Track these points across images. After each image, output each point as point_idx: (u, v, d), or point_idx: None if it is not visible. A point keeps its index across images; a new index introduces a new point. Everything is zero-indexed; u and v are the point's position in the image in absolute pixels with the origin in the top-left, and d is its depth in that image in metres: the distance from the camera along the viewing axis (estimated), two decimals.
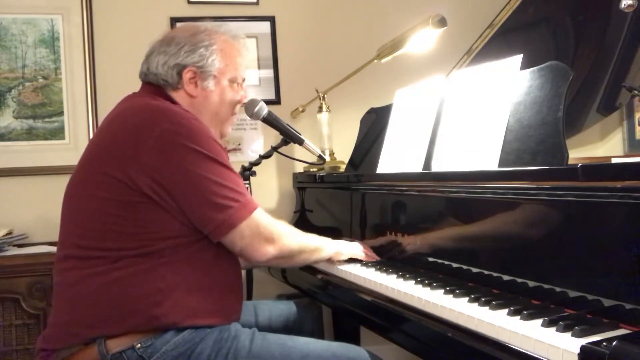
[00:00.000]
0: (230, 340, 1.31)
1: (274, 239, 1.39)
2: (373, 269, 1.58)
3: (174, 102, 1.45)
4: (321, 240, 1.62)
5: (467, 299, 1.19)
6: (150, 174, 1.27)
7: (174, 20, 2.61)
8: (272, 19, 2.73)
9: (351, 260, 1.69)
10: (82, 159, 1.40)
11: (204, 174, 1.29)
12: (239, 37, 1.56)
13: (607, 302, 1.00)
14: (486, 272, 1.29)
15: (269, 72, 2.73)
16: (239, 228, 1.32)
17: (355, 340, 2.28)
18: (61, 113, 2.49)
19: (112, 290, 1.26)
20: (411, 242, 1.58)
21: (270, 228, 1.39)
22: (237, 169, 2.14)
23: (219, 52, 1.47)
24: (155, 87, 1.47)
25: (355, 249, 1.69)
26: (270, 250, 1.39)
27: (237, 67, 1.52)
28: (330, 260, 1.67)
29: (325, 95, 2.48)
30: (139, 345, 1.25)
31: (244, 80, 1.58)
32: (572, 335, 0.93)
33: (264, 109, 1.96)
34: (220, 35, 1.50)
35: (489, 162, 1.34)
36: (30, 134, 2.47)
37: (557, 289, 1.10)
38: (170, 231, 1.29)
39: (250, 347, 1.31)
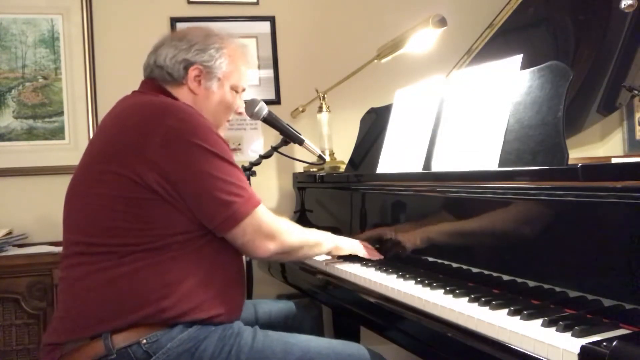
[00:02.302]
0: (234, 338, 1.33)
1: (275, 236, 1.40)
2: (373, 269, 1.58)
3: (175, 99, 1.45)
4: (321, 235, 1.63)
5: (467, 299, 1.19)
6: (157, 170, 1.28)
7: (174, 20, 2.61)
8: (272, 19, 2.73)
9: (351, 259, 1.69)
10: (85, 157, 1.41)
11: (208, 170, 1.31)
12: (248, 49, 1.62)
13: (607, 302, 1.00)
14: (486, 272, 1.29)
15: (269, 72, 2.73)
16: (242, 224, 1.34)
17: (355, 340, 2.28)
18: (61, 113, 2.49)
19: (119, 284, 1.27)
20: (411, 242, 1.58)
21: (272, 225, 1.40)
22: None
23: (228, 57, 1.51)
24: (156, 83, 1.48)
25: (354, 245, 1.68)
26: (270, 247, 1.40)
27: (241, 75, 1.57)
28: (330, 254, 1.68)
29: (325, 95, 2.48)
30: (145, 341, 1.26)
31: (244, 90, 1.61)
32: (572, 335, 0.93)
33: (264, 109, 1.96)
34: (231, 42, 1.55)
35: (489, 162, 1.34)
36: (30, 134, 2.47)
37: (557, 289, 1.10)
38: (178, 227, 1.31)
39: (253, 343, 1.33)
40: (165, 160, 1.28)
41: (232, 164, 1.36)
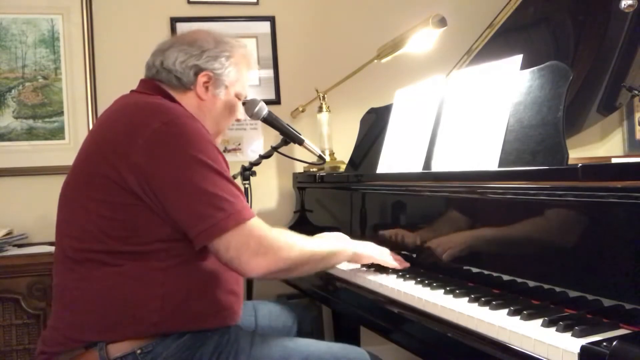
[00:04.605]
0: (231, 344, 1.31)
1: (268, 252, 1.28)
2: (372, 270, 1.58)
3: (173, 100, 1.43)
4: (335, 245, 1.50)
5: (467, 299, 1.19)
6: (139, 174, 1.24)
7: (174, 20, 2.61)
8: (272, 19, 2.73)
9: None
10: (76, 159, 1.38)
11: (190, 179, 1.24)
12: (252, 55, 1.63)
13: (607, 302, 1.00)
14: (486, 272, 1.29)
15: (269, 72, 2.73)
16: (222, 239, 1.24)
17: (355, 340, 2.28)
18: (61, 113, 2.49)
19: (111, 295, 1.25)
20: (411, 242, 1.58)
21: (265, 240, 1.28)
22: (237, 169, 2.15)
23: (235, 66, 1.51)
24: (156, 84, 1.45)
25: (381, 253, 1.56)
26: (262, 264, 1.27)
27: (244, 83, 1.56)
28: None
29: (325, 95, 2.48)
30: (140, 351, 1.24)
31: (245, 97, 1.61)
32: (572, 335, 0.93)
33: (264, 109, 1.96)
34: (238, 49, 1.53)
35: (489, 162, 1.34)
36: (30, 134, 2.47)
37: (557, 289, 1.10)
38: (162, 234, 1.27)
39: (250, 350, 1.31)
40: (147, 164, 1.24)
41: (221, 173, 1.28)
